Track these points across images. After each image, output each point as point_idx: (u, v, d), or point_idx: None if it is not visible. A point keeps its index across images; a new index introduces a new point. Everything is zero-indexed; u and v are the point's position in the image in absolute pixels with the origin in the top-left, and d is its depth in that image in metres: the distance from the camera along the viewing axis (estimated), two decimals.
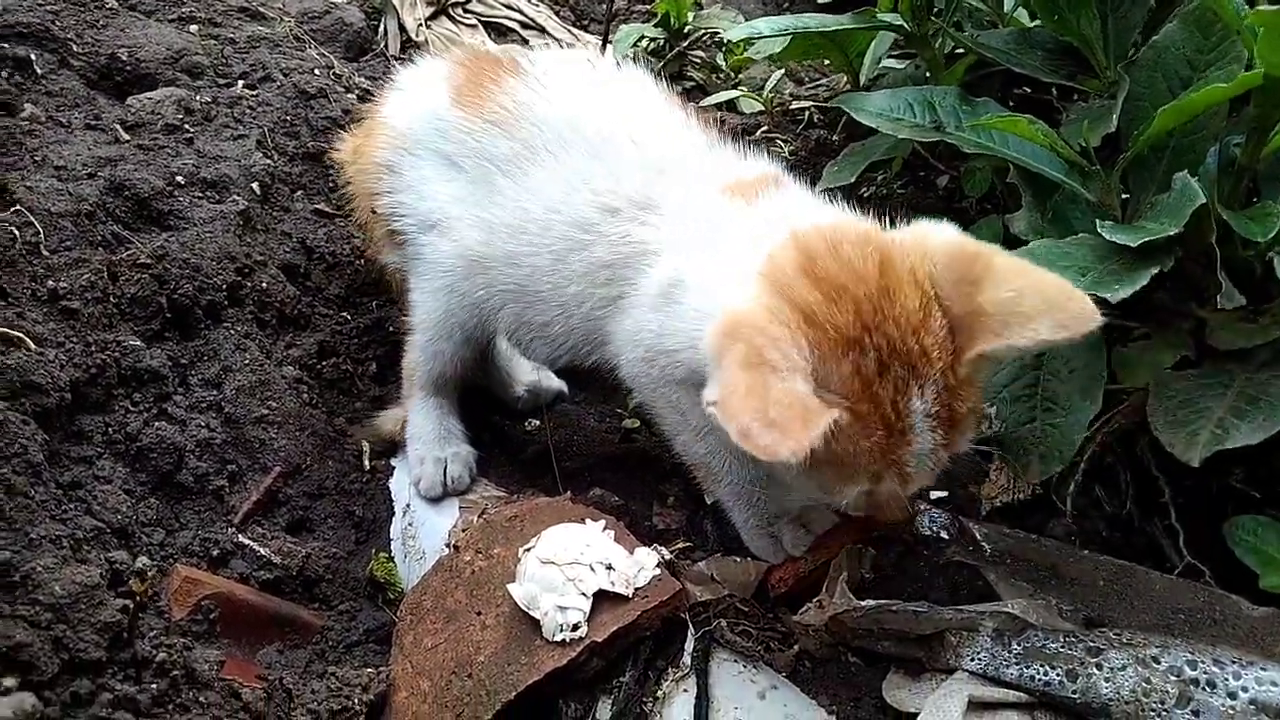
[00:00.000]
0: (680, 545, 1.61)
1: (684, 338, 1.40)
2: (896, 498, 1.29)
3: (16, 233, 1.61)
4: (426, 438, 1.87)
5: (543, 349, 1.74)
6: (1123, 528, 1.61)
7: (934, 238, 1.30)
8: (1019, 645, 1.31)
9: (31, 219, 1.66)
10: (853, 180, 1.90)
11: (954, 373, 1.22)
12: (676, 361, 1.44)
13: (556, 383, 2.16)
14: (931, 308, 1.22)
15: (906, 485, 1.27)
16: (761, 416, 1.09)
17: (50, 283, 1.62)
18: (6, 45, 2.10)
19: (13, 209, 1.66)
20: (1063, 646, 1.30)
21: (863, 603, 1.35)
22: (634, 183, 1.56)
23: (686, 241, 1.48)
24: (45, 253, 1.65)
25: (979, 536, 1.49)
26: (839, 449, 1.19)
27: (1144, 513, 1.61)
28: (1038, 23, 1.91)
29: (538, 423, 2.09)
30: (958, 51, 1.91)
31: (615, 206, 1.57)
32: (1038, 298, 1.18)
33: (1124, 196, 1.51)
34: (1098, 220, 1.37)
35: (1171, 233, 1.26)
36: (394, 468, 1.93)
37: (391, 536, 1.81)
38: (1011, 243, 1.70)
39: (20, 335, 1.50)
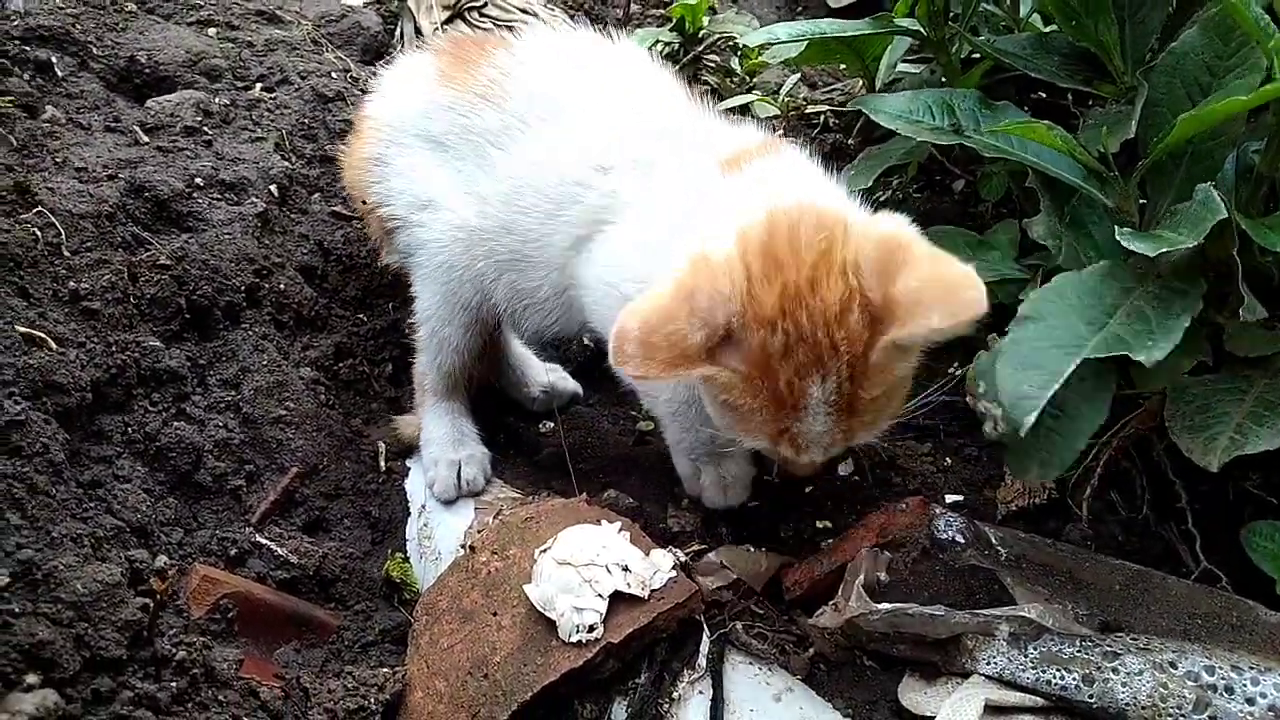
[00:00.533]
0: (695, 547, 1.61)
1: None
2: (792, 463, 1.44)
3: (39, 234, 1.63)
4: (441, 440, 1.88)
5: (535, 318, 1.81)
6: (1139, 532, 1.61)
7: (879, 226, 1.37)
8: (1035, 649, 1.31)
9: (53, 220, 1.68)
10: (869, 184, 1.90)
11: (864, 362, 1.30)
12: None
13: (571, 384, 2.17)
14: (852, 302, 1.29)
15: (799, 455, 1.39)
16: (644, 334, 1.26)
17: (71, 283, 1.63)
18: (29, 48, 2.12)
19: (35, 210, 1.67)
20: (1079, 651, 1.30)
21: (879, 606, 1.35)
22: (633, 144, 1.64)
23: (675, 200, 1.56)
24: (67, 253, 1.67)
25: (995, 540, 1.49)
26: (734, 402, 1.34)
27: (1160, 517, 1.61)
28: (1054, 28, 1.91)
29: (552, 425, 2.10)
30: (974, 56, 1.91)
31: (610, 165, 1.64)
32: (936, 288, 1.25)
33: (1141, 201, 1.51)
34: (1116, 227, 1.36)
35: (1190, 245, 1.25)
36: (409, 468, 1.94)
37: (407, 537, 1.82)
38: (1030, 247, 1.71)
39: (42, 335, 1.52)
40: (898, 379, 1.36)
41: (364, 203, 1.94)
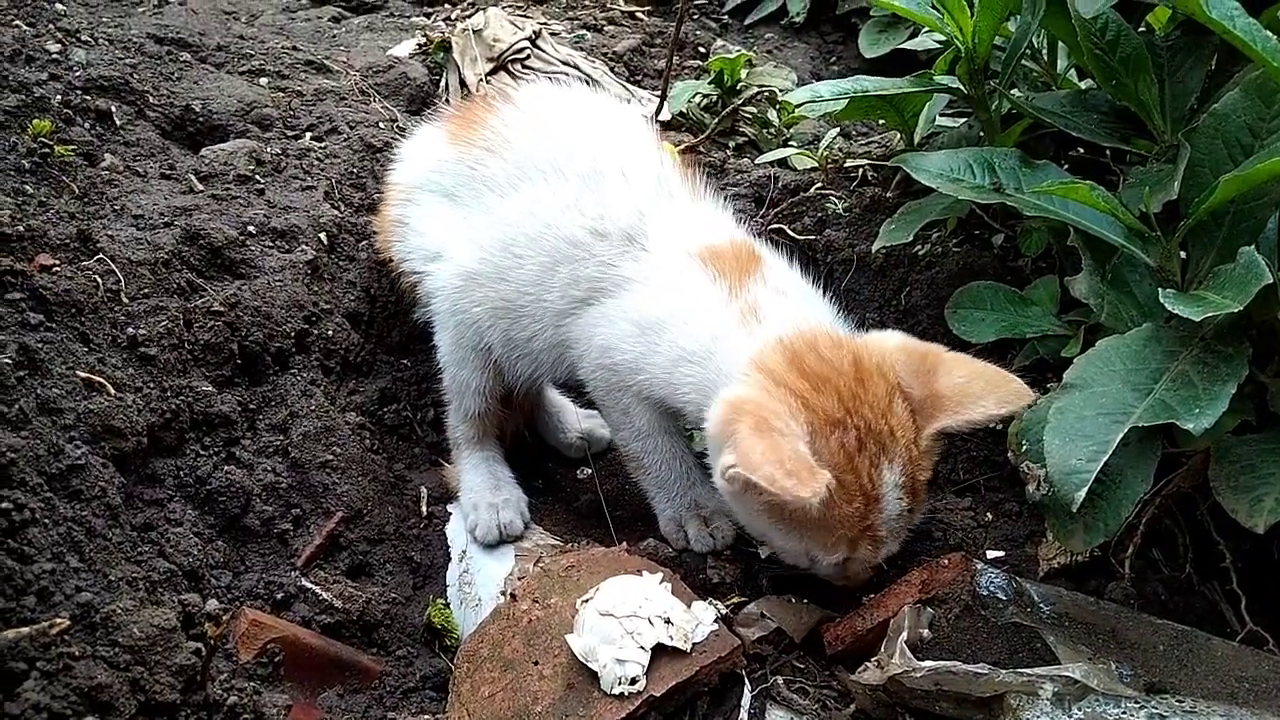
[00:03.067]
0: (735, 599, 1.62)
1: (659, 375, 1.64)
2: (867, 563, 1.52)
3: (99, 281, 1.68)
4: (478, 487, 1.92)
5: (526, 366, 1.89)
6: (1182, 591, 1.60)
7: (889, 340, 1.57)
8: (1080, 710, 1.30)
9: (113, 267, 1.73)
10: (909, 239, 1.92)
11: (916, 447, 1.47)
12: (644, 387, 1.68)
13: (608, 431, 2.18)
14: (895, 395, 1.48)
15: (879, 550, 1.50)
16: (781, 467, 1.30)
17: (130, 329, 1.68)
18: (89, 97, 2.19)
19: (95, 257, 1.72)
20: (1124, 713, 1.29)
21: (922, 664, 1.35)
22: (622, 216, 1.74)
23: (666, 290, 1.68)
24: (125, 300, 1.72)
25: (1037, 598, 1.48)
26: (826, 514, 1.40)
27: (1203, 577, 1.60)
28: (1090, 82, 1.93)
29: (589, 471, 2.12)
30: (1013, 113, 1.93)
31: (605, 232, 1.74)
32: (982, 381, 1.47)
33: (1182, 256, 1.52)
34: (1159, 287, 1.37)
35: (1235, 309, 1.26)
36: (450, 514, 1.96)
37: (448, 583, 1.84)
38: (1070, 303, 1.72)
39: (101, 380, 1.56)
40: (930, 470, 1.51)
41: (390, 261, 2.07)
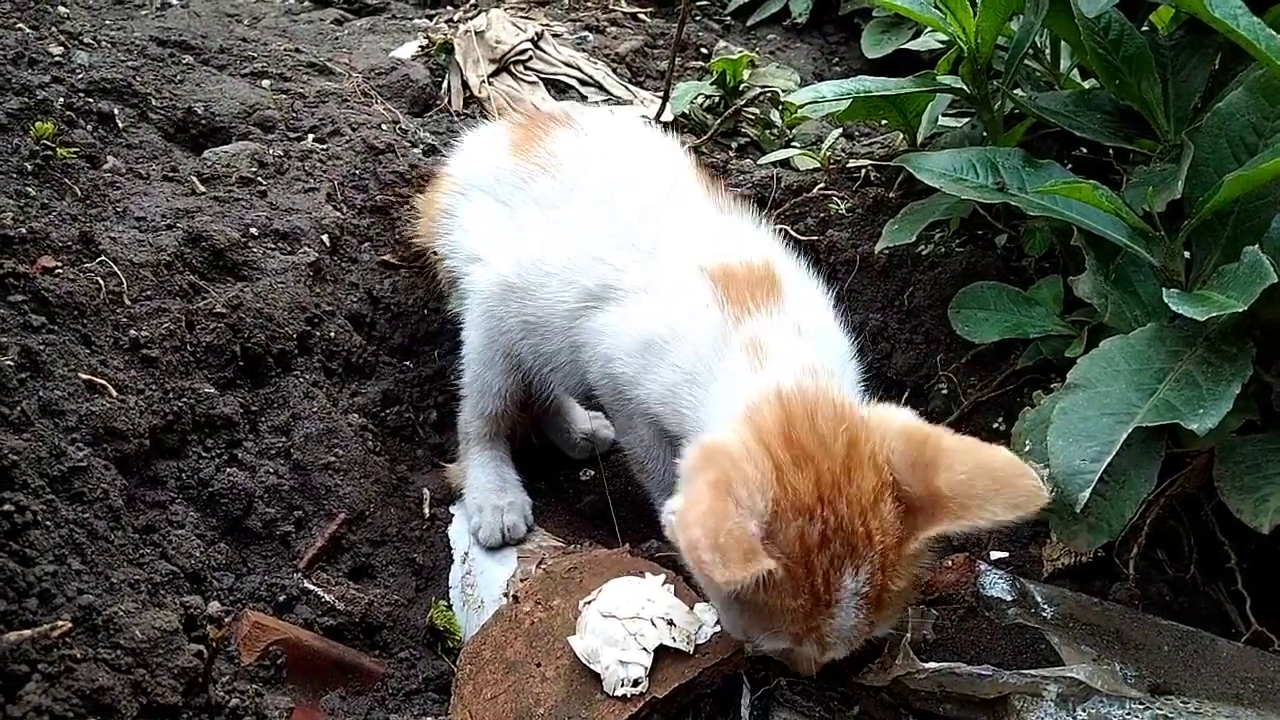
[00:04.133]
0: None
1: (656, 392, 1.59)
2: (810, 661, 1.36)
3: (101, 283, 1.67)
4: (484, 487, 1.91)
5: (556, 379, 1.88)
6: (1187, 592, 1.59)
7: (894, 420, 1.36)
8: (1084, 712, 1.30)
9: (115, 269, 1.73)
10: (913, 239, 1.92)
11: (897, 553, 1.27)
12: (642, 401, 1.63)
13: (612, 432, 2.18)
14: (885, 492, 1.28)
15: (823, 653, 1.32)
16: (711, 539, 1.16)
17: (132, 331, 1.67)
18: (91, 100, 2.19)
19: (98, 259, 1.72)
20: (1129, 714, 1.29)
21: (926, 665, 1.35)
22: (645, 235, 1.71)
23: (670, 304, 1.61)
24: (128, 302, 1.71)
25: (1040, 599, 1.48)
26: (767, 600, 1.26)
27: (1208, 577, 1.59)
28: (1093, 82, 1.92)
29: (593, 472, 2.11)
30: (1016, 112, 1.93)
31: (625, 245, 1.71)
32: (989, 479, 1.24)
33: (1186, 256, 1.52)
34: (1163, 287, 1.37)
35: (1240, 309, 1.26)
36: (453, 515, 1.95)
37: (450, 584, 1.83)
38: (1074, 303, 1.72)
39: (104, 382, 1.56)
40: (919, 571, 1.36)
41: (434, 253, 2.08)
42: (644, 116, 2.85)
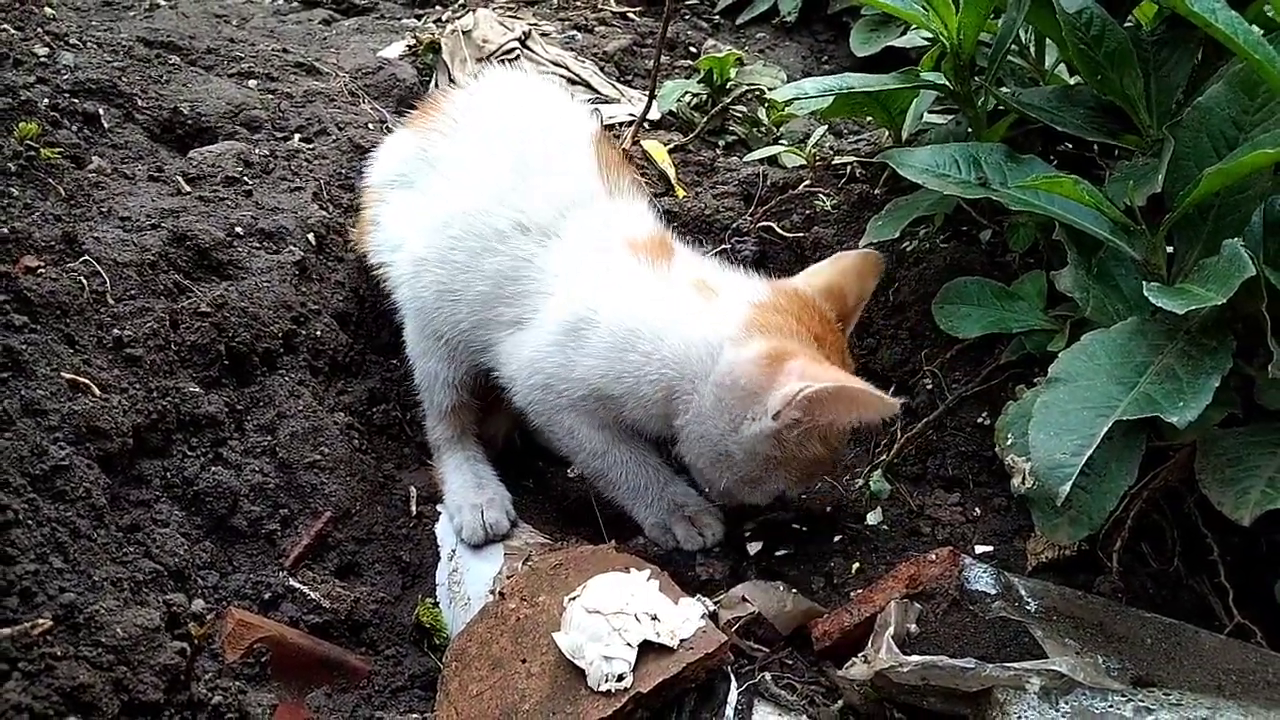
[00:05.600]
0: (723, 596, 1.62)
1: (598, 368, 1.69)
2: (833, 459, 1.71)
3: (85, 282, 1.67)
4: (461, 487, 1.93)
5: (481, 356, 1.91)
6: (1170, 585, 1.59)
7: (795, 281, 1.78)
8: (1067, 704, 1.30)
9: (99, 269, 1.72)
10: (896, 235, 1.92)
11: (848, 345, 1.74)
12: (583, 389, 1.72)
13: None
14: (830, 316, 1.71)
15: (839, 447, 1.70)
16: (854, 382, 1.53)
17: (115, 330, 1.67)
18: (77, 100, 2.19)
19: (81, 259, 1.72)
20: (1111, 706, 1.29)
21: (909, 658, 1.35)
22: (542, 211, 1.81)
23: (590, 284, 1.74)
24: (111, 301, 1.71)
25: (1024, 592, 1.48)
26: (829, 446, 1.64)
27: (1191, 570, 1.59)
28: (1078, 79, 1.93)
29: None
30: (1000, 109, 1.93)
31: (526, 226, 1.81)
32: (853, 274, 1.78)
33: (1169, 251, 1.52)
34: (1144, 281, 1.37)
35: (1219, 302, 1.26)
36: (440, 513, 1.95)
37: (437, 582, 1.83)
38: (1058, 298, 1.72)
39: (86, 381, 1.55)
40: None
41: (372, 266, 2.08)
42: (630, 114, 2.85)
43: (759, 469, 1.63)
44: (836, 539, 1.77)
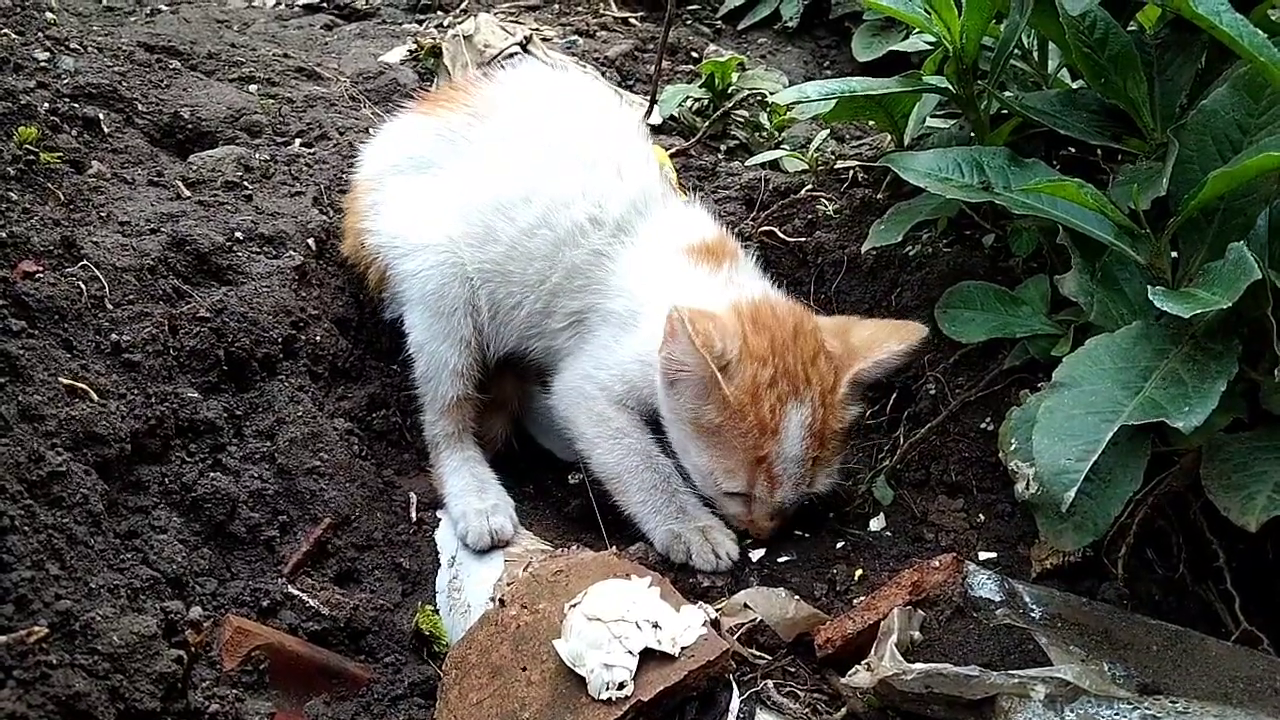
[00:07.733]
0: (725, 603, 1.61)
1: (638, 353, 1.81)
2: (765, 505, 1.73)
3: (83, 287, 1.66)
4: (463, 491, 1.92)
5: (509, 334, 1.99)
6: (1176, 591, 1.58)
7: (821, 318, 1.86)
8: (1072, 713, 1.29)
9: (97, 274, 1.72)
10: (899, 239, 1.91)
11: (833, 395, 1.72)
12: (622, 374, 1.84)
13: None
14: (821, 352, 1.73)
15: (774, 490, 1.70)
16: (709, 322, 1.65)
17: (114, 336, 1.66)
18: (77, 105, 2.19)
19: (80, 264, 1.71)
20: (1117, 714, 1.28)
21: (913, 666, 1.34)
22: (617, 209, 1.89)
23: (651, 283, 1.85)
24: (109, 306, 1.70)
25: (1029, 599, 1.47)
26: (725, 422, 1.67)
27: (1197, 577, 1.58)
28: (1082, 83, 1.92)
29: (581, 476, 2.10)
30: (1003, 112, 1.92)
31: (601, 220, 1.90)
32: (887, 329, 1.79)
33: (1173, 254, 1.51)
34: (1148, 285, 1.36)
35: (1225, 306, 1.25)
36: (440, 520, 1.94)
37: (437, 589, 1.82)
38: (1061, 303, 1.71)
39: (84, 387, 1.55)
40: (850, 422, 1.76)
41: (365, 259, 2.08)
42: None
43: (690, 444, 1.74)
44: (839, 545, 1.76)
